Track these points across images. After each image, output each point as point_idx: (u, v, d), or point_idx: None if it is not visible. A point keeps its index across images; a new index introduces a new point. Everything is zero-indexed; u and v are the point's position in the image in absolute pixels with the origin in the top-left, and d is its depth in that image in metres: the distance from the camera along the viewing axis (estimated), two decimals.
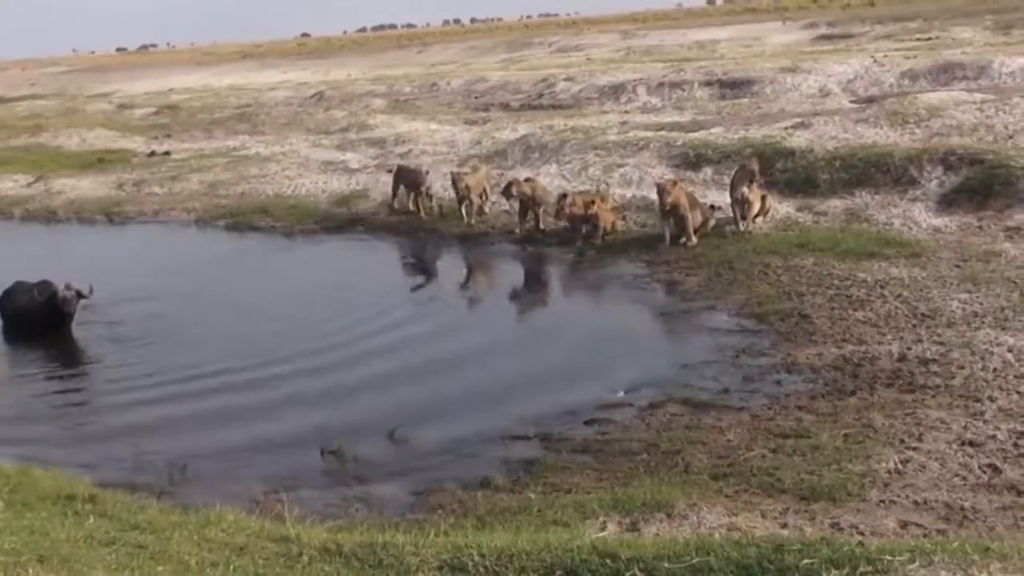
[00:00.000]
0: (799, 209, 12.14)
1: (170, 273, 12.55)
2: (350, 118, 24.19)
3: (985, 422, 6.26)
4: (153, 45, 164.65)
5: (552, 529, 5.03)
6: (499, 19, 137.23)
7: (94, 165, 21.31)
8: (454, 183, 13.42)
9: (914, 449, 5.97)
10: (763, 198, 11.68)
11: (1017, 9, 31.50)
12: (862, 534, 4.95)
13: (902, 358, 7.48)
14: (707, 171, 13.71)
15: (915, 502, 5.38)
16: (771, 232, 11.42)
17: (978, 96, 15.15)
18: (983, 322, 8.02)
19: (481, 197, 13.65)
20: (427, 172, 14.32)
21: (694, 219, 11.36)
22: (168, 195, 17.73)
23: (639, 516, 5.32)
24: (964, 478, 5.62)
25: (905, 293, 8.94)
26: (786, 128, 14.73)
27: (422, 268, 12.91)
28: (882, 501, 5.40)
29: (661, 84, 22.91)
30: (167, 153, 22.16)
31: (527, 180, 13.05)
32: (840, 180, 12.47)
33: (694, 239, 11.30)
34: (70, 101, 39.75)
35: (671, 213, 11.37)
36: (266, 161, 19.39)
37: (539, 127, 17.76)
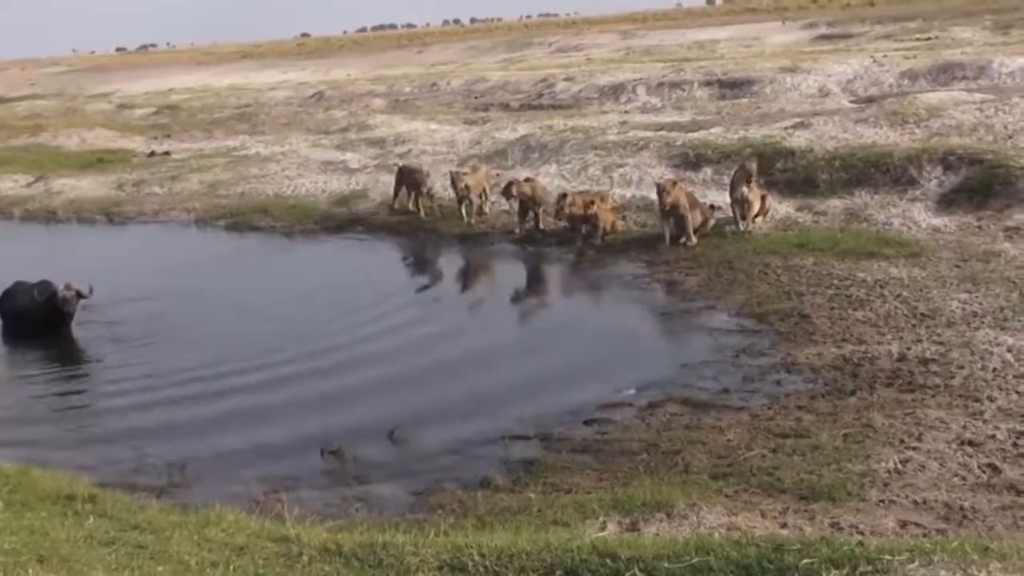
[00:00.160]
0: (799, 209, 12.14)
1: (170, 273, 12.55)
2: (350, 118, 24.19)
3: (984, 422, 6.26)
4: (153, 45, 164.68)
5: (552, 529, 5.03)
6: (499, 19, 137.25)
7: (94, 165, 21.31)
8: (453, 182, 13.42)
9: (914, 449, 5.97)
10: (763, 198, 11.68)
11: (1016, 9, 31.50)
12: (862, 534, 4.95)
13: (902, 358, 7.48)
14: (707, 171, 13.71)
15: (915, 502, 5.38)
16: (771, 232, 11.43)
17: (978, 96, 15.16)
18: (982, 322, 8.03)
19: (481, 197, 13.65)
20: (428, 174, 14.31)
21: (694, 219, 11.37)
22: (168, 195, 17.73)
23: (639, 516, 5.32)
24: (964, 478, 5.63)
25: (905, 293, 8.94)
26: (786, 128, 14.73)
27: (422, 268, 12.91)
28: (882, 501, 5.40)
29: (661, 84, 22.91)
30: (167, 153, 22.16)
31: (527, 180, 13.05)
32: (840, 180, 12.47)
33: (694, 239, 11.31)
34: (70, 101, 39.75)
35: (671, 213, 11.37)
36: (266, 161, 19.39)
37: (539, 127, 17.76)
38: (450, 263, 12.69)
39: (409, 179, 14.45)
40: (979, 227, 10.78)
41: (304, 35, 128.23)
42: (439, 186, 14.38)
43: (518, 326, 10.16)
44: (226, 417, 7.76)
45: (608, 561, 4.17)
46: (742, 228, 11.41)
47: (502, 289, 11.34)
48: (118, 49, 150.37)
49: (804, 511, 5.31)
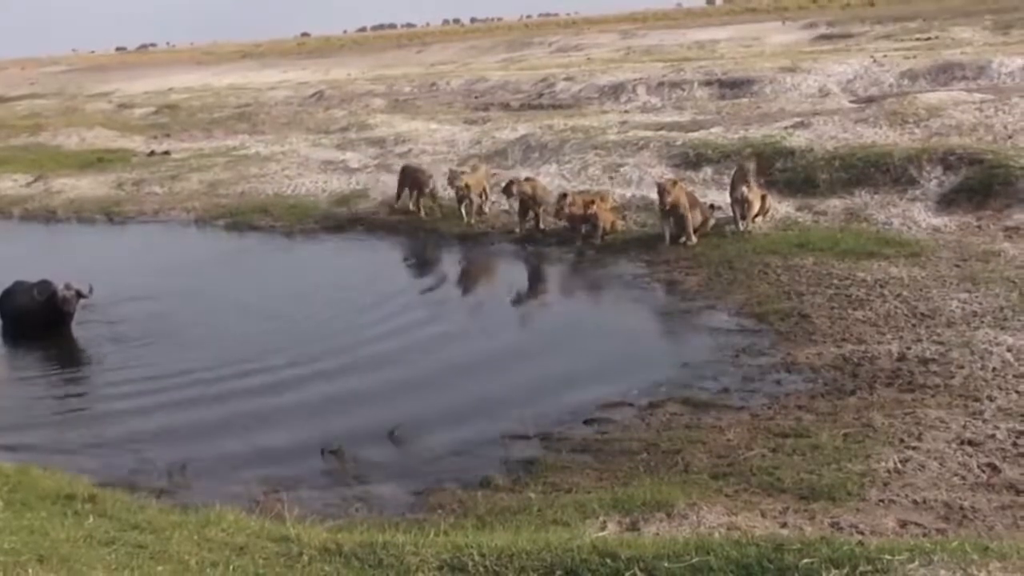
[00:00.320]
0: (799, 209, 12.14)
1: (170, 273, 12.55)
2: (350, 118, 24.18)
3: (984, 421, 6.26)
4: (153, 44, 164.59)
5: (552, 529, 5.03)
6: (499, 19, 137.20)
7: (94, 164, 21.30)
8: (451, 182, 13.41)
9: (913, 448, 5.97)
10: (763, 198, 11.68)
11: (1016, 9, 31.50)
12: (862, 533, 4.95)
13: (902, 358, 7.48)
14: (707, 171, 13.71)
15: (914, 501, 5.38)
16: (771, 232, 11.43)
17: (977, 96, 15.16)
18: (982, 322, 8.03)
19: (481, 197, 13.65)
20: (431, 174, 14.30)
21: (694, 219, 11.37)
22: (168, 195, 17.73)
23: (639, 516, 5.32)
24: (963, 477, 5.63)
25: (905, 293, 8.94)
26: (786, 128, 14.73)
27: (422, 268, 12.91)
28: (882, 500, 5.40)
29: (661, 84, 22.91)
30: (167, 153, 22.16)
31: (527, 179, 13.06)
32: (840, 180, 12.47)
33: (694, 239, 11.31)
34: (70, 100, 39.74)
35: (671, 213, 11.37)
36: (266, 161, 19.38)
37: (539, 127, 17.76)
38: (450, 263, 12.69)
39: (412, 179, 14.45)
40: (979, 227, 10.79)
41: (304, 35, 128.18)
42: (441, 186, 14.38)
43: (518, 326, 10.17)
44: (226, 417, 7.76)
45: (608, 561, 4.17)
46: (742, 228, 11.41)
47: (502, 289, 11.34)
48: (118, 48, 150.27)
49: (804, 511, 5.31)
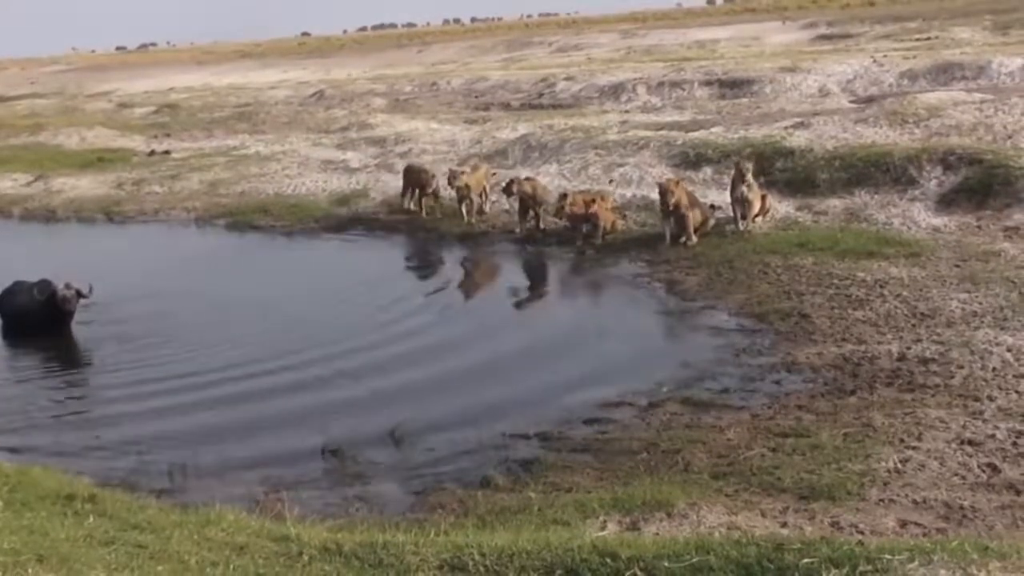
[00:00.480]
0: (799, 209, 12.14)
1: (170, 272, 12.55)
2: (350, 117, 24.18)
3: (984, 421, 6.26)
4: (153, 44, 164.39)
5: (552, 528, 5.03)
6: (499, 19, 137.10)
7: (94, 164, 21.30)
8: (450, 181, 13.41)
9: (913, 448, 5.97)
10: (763, 198, 11.68)
11: (1016, 9, 31.49)
12: (862, 533, 4.96)
13: (902, 357, 7.48)
14: (707, 171, 13.71)
15: (914, 501, 5.38)
16: (771, 231, 11.43)
17: (977, 96, 15.16)
18: (982, 322, 8.03)
19: (481, 196, 13.65)
20: (434, 174, 14.30)
21: (693, 218, 11.38)
22: (168, 194, 17.73)
23: (639, 515, 5.32)
24: (963, 477, 5.63)
25: (904, 293, 8.95)
26: (786, 128, 14.73)
27: (423, 268, 12.91)
28: (882, 500, 5.40)
29: (661, 84, 22.91)
30: (167, 152, 22.16)
31: (527, 179, 13.05)
32: (839, 180, 12.47)
33: (694, 238, 11.31)
34: (70, 100, 39.75)
35: (672, 213, 11.37)
36: (266, 160, 19.39)
37: (539, 126, 17.76)
38: (450, 263, 12.68)
39: (414, 178, 14.45)
40: (979, 227, 10.79)
41: (305, 34, 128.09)
42: (441, 186, 14.37)
43: (518, 326, 10.16)
44: (225, 417, 7.76)
45: (608, 560, 4.17)
46: (742, 228, 11.41)
47: (502, 289, 11.34)
48: (118, 48, 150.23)
49: (804, 510, 5.31)
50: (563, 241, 12.33)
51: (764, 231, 11.45)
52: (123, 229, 16.34)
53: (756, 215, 11.56)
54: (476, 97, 26.70)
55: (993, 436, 6.06)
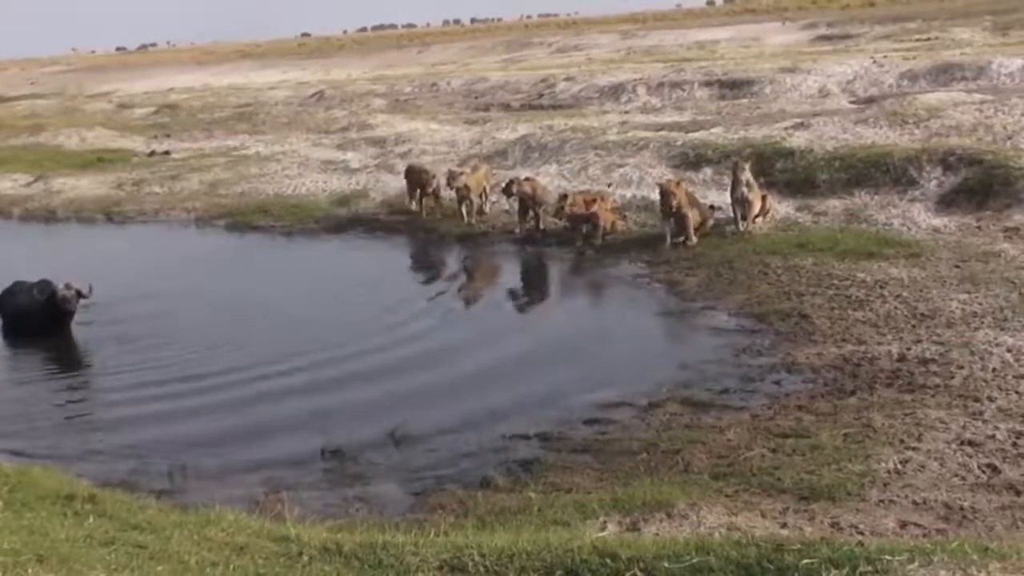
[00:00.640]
0: (799, 209, 12.14)
1: (170, 273, 12.56)
2: (350, 118, 24.19)
3: (984, 422, 6.26)
4: (153, 44, 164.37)
5: (552, 529, 5.03)
6: (499, 19, 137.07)
7: (94, 164, 21.31)
8: (448, 182, 13.42)
9: (913, 449, 5.97)
10: (763, 198, 11.68)
11: (1016, 10, 31.50)
12: (862, 534, 4.96)
13: (901, 358, 7.48)
14: (707, 171, 13.71)
15: (914, 502, 5.38)
16: (771, 232, 11.43)
17: (977, 97, 15.16)
18: (982, 322, 8.03)
19: (481, 197, 13.66)
20: (434, 175, 14.31)
21: (693, 219, 11.38)
22: (168, 195, 17.73)
23: (639, 516, 5.32)
24: (963, 478, 5.63)
25: (904, 293, 8.95)
26: (786, 128, 14.73)
27: (423, 268, 12.91)
28: (882, 501, 5.40)
29: (661, 84, 22.91)
30: (167, 153, 22.16)
31: (527, 179, 13.05)
32: (839, 180, 12.48)
33: (694, 239, 11.31)
34: (70, 100, 39.75)
35: (673, 214, 11.38)
36: (266, 161, 19.39)
37: (539, 127, 17.77)
38: (450, 263, 12.69)
39: (415, 179, 14.45)
40: (979, 227, 10.79)
41: (304, 35, 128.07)
42: (442, 186, 14.37)
43: (517, 326, 10.15)
44: (225, 417, 7.76)
45: (608, 561, 4.16)
46: (742, 228, 11.41)
47: (502, 289, 11.34)
48: (118, 48, 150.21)
49: (804, 511, 5.31)
50: (563, 242, 12.33)
51: (764, 232, 11.45)
52: (123, 229, 16.34)
53: (756, 216, 11.56)
54: (476, 98, 26.70)
55: (993, 437, 6.06)
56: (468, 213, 13.50)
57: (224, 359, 9.09)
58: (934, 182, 11.91)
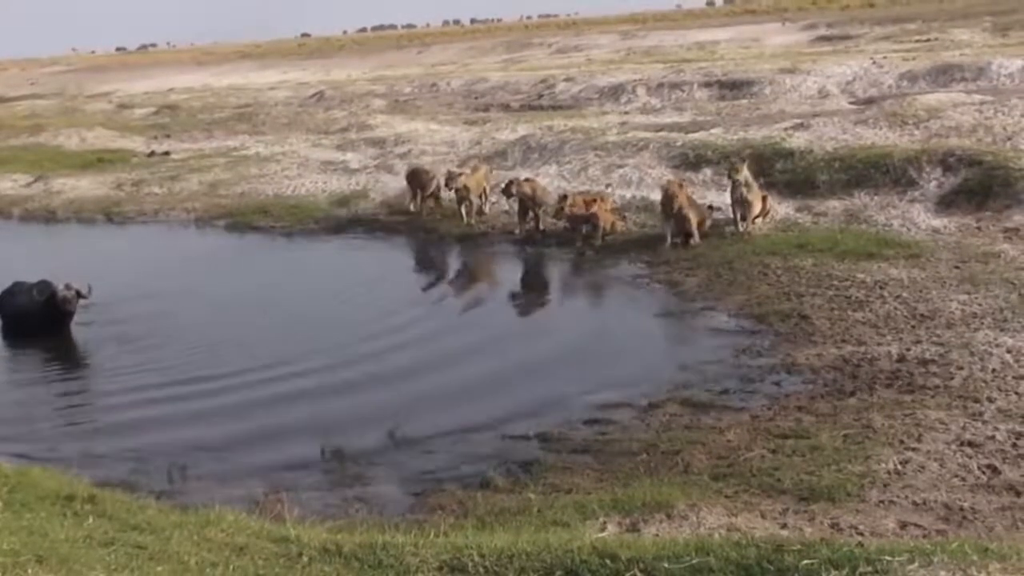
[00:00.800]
0: (798, 210, 12.15)
1: (169, 273, 12.56)
2: (350, 118, 24.19)
3: (984, 423, 6.26)
4: (153, 45, 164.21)
5: (552, 529, 5.03)
6: (499, 20, 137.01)
7: (94, 165, 21.31)
8: (447, 183, 13.41)
9: (913, 450, 5.97)
10: (763, 199, 11.68)
11: (1015, 11, 31.52)
12: (862, 534, 4.96)
13: (901, 359, 7.48)
14: (706, 172, 13.72)
15: (914, 503, 5.38)
16: (771, 233, 11.43)
17: (977, 97, 15.17)
18: (982, 323, 8.03)
19: (480, 197, 13.65)
20: (434, 176, 14.30)
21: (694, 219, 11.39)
22: (168, 195, 17.73)
23: (639, 516, 5.32)
24: (963, 479, 5.63)
25: (904, 294, 8.95)
26: (785, 129, 14.74)
27: (422, 269, 12.91)
28: (881, 501, 5.40)
29: (661, 85, 22.91)
30: (167, 153, 22.17)
31: (527, 180, 13.05)
32: (839, 181, 12.48)
33: (698, 238, 11.33)
34: (70, 101, 39.75)
35: (676, 215, 11.39)
36: (266, 161, 19.39)
37: (539, 128, 17.77)
38: (450, 264, 12.69)
39: (417, 181, 14.45)
40: (978, 228, 10.79)
41: (304, 35, 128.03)
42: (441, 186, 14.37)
43: (516, 327, 10.16)
44: (225, 418, 7.76)
45: (608, 562, 4.16)
46: (741, 229, 11.41)
47: (502, 290, 11.34)
48: (118, 49, 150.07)
49: (804, 512, 5.31)
50: (563, 242, 12.33)
51: (764, 232, 11.45)
52: (123, 230, 16.33)
53: (756, 216, 11.56)
54: (476, 98, 26.71)
55: (993, 437, 6.06)
56: (468, 214, 13.50)
57: (224, 359, 9.09)
58: (934, 183, 11.91)
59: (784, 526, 5.16)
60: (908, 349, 7.65)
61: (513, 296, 11.11)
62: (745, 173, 11.39)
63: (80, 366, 9.72)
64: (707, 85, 22.28)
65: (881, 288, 9.16)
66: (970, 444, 6.00)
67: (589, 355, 8.62)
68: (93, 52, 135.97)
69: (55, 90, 46.52)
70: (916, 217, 11.35)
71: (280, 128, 24.71)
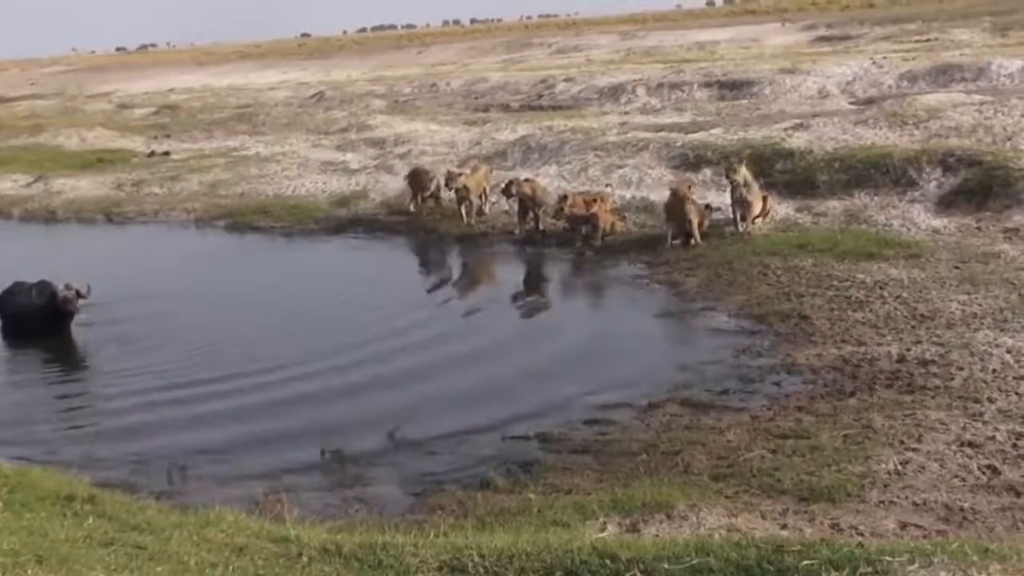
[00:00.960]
0: (798, 210, 12.15)
1: (169, 273, 12.56)
2: (350, 118, 24.19)
3: (984, 423, 6.26)
4: (153, 45, 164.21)
5: (552, 530, 5.03)
6: (499, 20, 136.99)
7: (94, 165, 21.31)
8: (447, 183, 13.41)
9: (913, 450, 5.97)
10: (764, 199, 11.68)
11: (1015, 11, 31.52)
12: (862, 535, 4.96)
13: (901, 359, 7.48)
14: (706, 172, 13.72)
15: (914, 503, 5.38)
16: (771, 233, 11.43)
17: (977, 98, 15.17)
18: (982, 323, 8.03)
19: (480, 198, 13.65)
20: (434, 177, 14.30)
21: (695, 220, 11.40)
22: (168, 195, 17.73)
23: (639, 517, 5.32)
24: (963, 479, 5.63)
25: (904, 294, 8.95)
26: (785, 129, 14.74)
27: (422, 269, 12.91)
28: (882, 502, 5.40)
29: (661, 85, 22.91)
30: (167, 153, 22.17)
31: (527, 180, 13.05)
32: (839, 181, 12.48)
33: (698, 238, 11.33)
34: (70, 101, 39.76)
35: (678, 215, 11.39)
36: (266, 161, 19.39)
37: (539, 128, 17.77)
38: (449, 264, 12.69)
39: (418, 181, 14.45)
40: (978, 228, 10.79)
41: (304, 35, 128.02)
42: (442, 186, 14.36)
43: (516, 327, 10.15)
44: (225, 418, 7.75)
45: (608, 562, 4.16)
46: (741, 229, 11.41)
47: (502, 290, 11.33)
48: (118, 49, 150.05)
49: (804, 512, 5.31)
50: (562, 242, 12.33)
51: (764, 232, 11.45)
52: (123, 230, 16.33)
53: (756, 217, 11.56)
54: (475, 98, 26.71)
55: (993, 438, 6.06)
56: (468, 214, 13.50)
57: (224, 359, 9.08)
58: (934, 183, 11.91)
59: (784, 526, 5.16)
60: (908, 349, 7.65)
61: (513, 296, 11.10)
62: (743, 173, 11.38)
63: (80, 367, 9.72)
64: (707, 85, 22.28)
65: (881, 288, 9.16)
66: (970, 444, 6.00)
67: (589, 355, 8.62)
68: (93, 52, 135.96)
69: (55, 90, 46.53)
70: (916, 217, 11.35)
71: (280, 128, 24.71)
